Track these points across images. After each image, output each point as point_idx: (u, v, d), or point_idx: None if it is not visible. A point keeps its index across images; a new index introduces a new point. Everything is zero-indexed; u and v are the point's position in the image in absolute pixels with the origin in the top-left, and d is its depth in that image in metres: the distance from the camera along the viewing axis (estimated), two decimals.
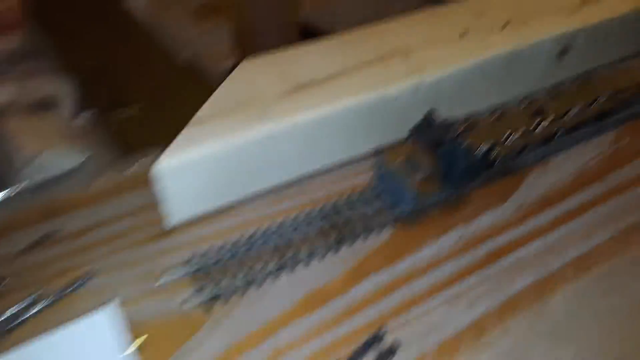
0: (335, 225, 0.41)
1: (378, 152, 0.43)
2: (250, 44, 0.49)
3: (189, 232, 0.40)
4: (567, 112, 0.46)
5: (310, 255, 0.39)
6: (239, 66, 0.44)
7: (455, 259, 0.39)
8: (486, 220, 0.42)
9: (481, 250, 0.40)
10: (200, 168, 0.38)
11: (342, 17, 0.64)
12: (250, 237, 0.40)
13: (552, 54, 0.51)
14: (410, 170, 0.42)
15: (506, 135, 0.44)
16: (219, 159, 0.38)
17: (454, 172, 0.41)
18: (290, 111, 0.41)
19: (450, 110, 0.48)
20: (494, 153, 0.43)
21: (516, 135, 0.44)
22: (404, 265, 0.39)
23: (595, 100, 0.47)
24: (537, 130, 0.45)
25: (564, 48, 0.52)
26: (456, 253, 0.39)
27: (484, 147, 0.43)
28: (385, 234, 0.41)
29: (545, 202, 0.43)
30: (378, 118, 0.45)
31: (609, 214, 0.42)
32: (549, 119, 0.45)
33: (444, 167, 0.41)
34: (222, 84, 0.42)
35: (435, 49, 0.48)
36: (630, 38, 0.56)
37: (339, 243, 0.40)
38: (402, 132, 0.45)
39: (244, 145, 0.39)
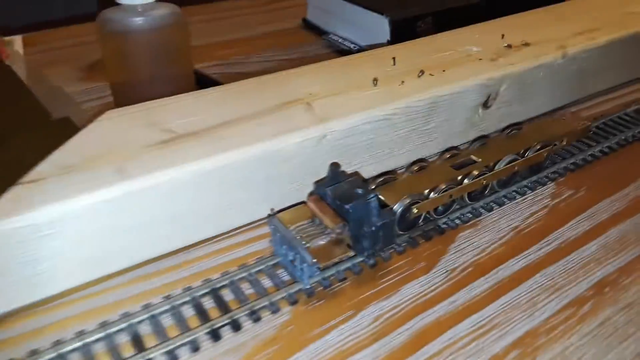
0: (219, 306, 0.32)
1: (275, 214, 0.35)
2: (133, 98, 0.41)
3: (19, 324, 0.30)
4: (496, 163, 0.40)
5: (181, 348, 0.29)
6: (98, 117, 0.36)
7: (371, 346, 0.30)
8: (409, 292, 0.34)
9: (404, 333, 0.31)
10: (30, 239, 0.29)
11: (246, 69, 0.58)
12: (101, 326, 0.30)
13: (476, 103, 0.46)
14: (313, 234, 0.34)
15: (428, 190, 0.37)
16: (55, 229, 0.29)
17: (367, 234, 0.33)
18: (159, 166, 0.33)
19: (364, 165, 0.41)
20: (414, 211, 0.36)
21: (440, 191, 0.37)
22: (304, 359, 0.29)
23: (528, 149, 0.42)
24: (464, 184, 0.38)
25: (488, 97, 0.47)
26: (372, 338, 0.31)
27: (402, 205, 0.36)
28: (283, 316, 0.32)
29: (479, 268, 0.35)
30: (275, 173, 0.37)
31: (556, 280, 0.35)
32: (477, 171, 0.39)
33: (355, 229, 0.33)
34: (72, 139, 0.34)
35: (343, 96, 0.42)
36: (559, 87, 0.52)
37: (221, 329, 0.30)
38: (305, 189, 0.37)
39: (93, 209, 0.30)
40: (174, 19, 0.46)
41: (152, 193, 0.32)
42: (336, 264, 0.34)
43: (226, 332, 0.31)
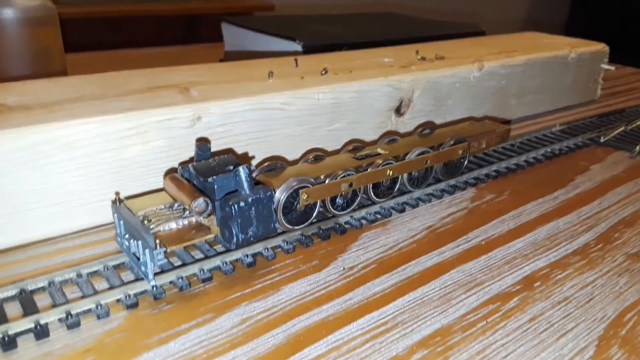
0: (24, 310, 0.23)
1: (122, 200, 0.27)
2: None
3: None
4: (406, 156, 0.35)
5: None
6: None
7: (230, 352, 0.22)
8: (292, 292, 0.26)
9: (277, 335, 0.23)
10: None
11: None
12: None
13: (388, 107, 0.42)
14: (168, 217, 0.26)
15: (324, 176, 0.31)
16: None
17: (235, 213, 0.26)
18: None
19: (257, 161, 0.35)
20: (304, 197, 0.30)
21: (337, 177, 0.31)
22: None
23: (441, 145, 0.37)
24: (367, 171, 0.32)
25: (401, 103, 0.42)
26: (235, 342, 0.22)
27: (287, 188, 0.29)
28: (112, 322, 0.23)
29: (383, 266, 0.28)
30: (130, 156, 0.30)
31: (475, 276, 0.28)
32: (381, 161, 0.33)
33: (221, 210, 0.26)
34: None
35: (229, 85, 0.36)
36: (479, 103, 0.48)
37: (20, 336, 0.22)
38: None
39: None
40: (45, 11, 0.40)
41: None
42: (197, 261, 0.27)
43: (26, 340, 0.22)
